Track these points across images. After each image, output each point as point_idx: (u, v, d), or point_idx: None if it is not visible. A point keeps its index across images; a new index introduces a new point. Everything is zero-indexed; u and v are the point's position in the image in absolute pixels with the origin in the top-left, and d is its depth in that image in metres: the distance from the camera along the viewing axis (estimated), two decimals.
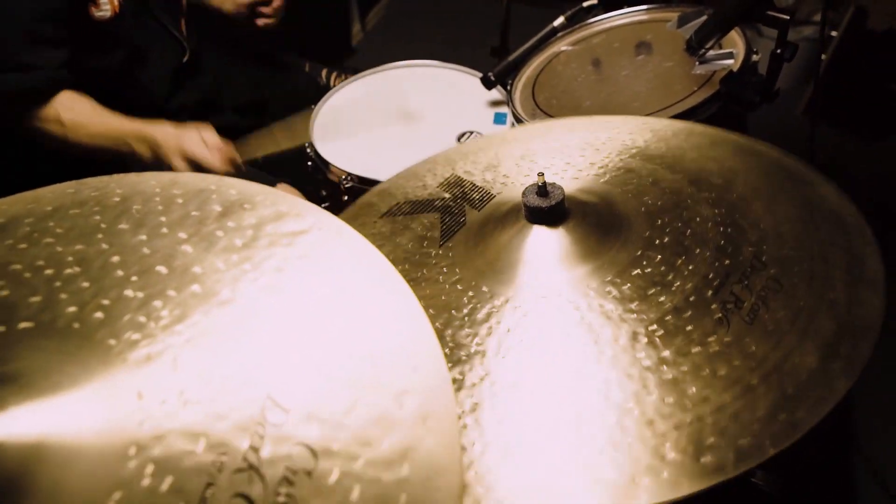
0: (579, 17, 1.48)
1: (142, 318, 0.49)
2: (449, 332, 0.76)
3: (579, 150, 0.97)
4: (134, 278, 0.52)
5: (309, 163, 1.46)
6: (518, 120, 1.31)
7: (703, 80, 1.22)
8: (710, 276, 0.74)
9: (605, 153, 0.95)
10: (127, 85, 1.39)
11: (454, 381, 0.70)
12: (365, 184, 1.31)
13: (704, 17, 1.21)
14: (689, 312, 0.71)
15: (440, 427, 0.44)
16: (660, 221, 0.82)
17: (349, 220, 0.96)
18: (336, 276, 0.53)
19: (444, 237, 0.89)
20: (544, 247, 0.82)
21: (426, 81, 1.61)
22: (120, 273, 0.52)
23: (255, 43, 1.67)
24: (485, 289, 0.80)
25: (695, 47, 1.17)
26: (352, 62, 1.87)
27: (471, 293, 0.80)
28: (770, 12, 1.04)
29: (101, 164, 1.39)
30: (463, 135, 1.42)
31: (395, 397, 0.45)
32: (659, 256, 0.77)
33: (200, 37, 1.60)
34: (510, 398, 0.67)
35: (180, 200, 0.59)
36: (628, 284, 0.75)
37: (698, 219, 0.81)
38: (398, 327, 0.49)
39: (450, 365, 0.72)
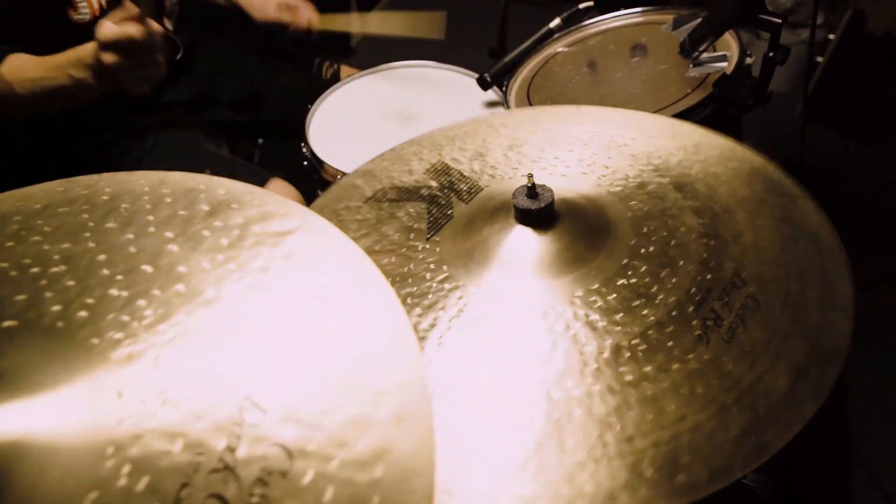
0: (575, 19, 1.49)
1: (125, 318, 0.50)
2: (437, 334, 0.76)
3: (568, 144, 0.96)
4: (119, 277, 0.52)
5: (305, 162, 1.47)
6: None
7: (697, 82, 1.23)
8: (693, 290, 0.74)
9: (593, 149, 0.95)
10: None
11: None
12: None
13: (699, 20, 1.21)
14: (671, 328, 0.71)
15: (415, 429, 0.44)
16: (645, 229, 0.82)
17: (332, 203, 0.97)
18: (320, 277, 0.54)
19: (431, 230, 0.88)
20: (532, 250, 0.82)
21: (422, 82, 1.61)
22: (106, 272, 0.53)
23: (249, 38, 1.68)
24: (473, 290, 0.80)
25: (688, 50, 1.17)
26: (351, 62, 1.86)
27: (460, 295, 0.80)
28: (763, 15, 1.04)
29: (92, 162, 1.39)
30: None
31: (372, 398, 0.46)
32: (644, 266, 0.77)
33: (194, 33, 1.61)
34: (492, 408, 0.67)
35: (169, 199, 0.60)
36: (614, 294, 0.75)
37: (683, 228, 0.81)
38: (378, 328, 0.50)
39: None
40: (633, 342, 0.70)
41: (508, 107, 1.35)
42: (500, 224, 0.85)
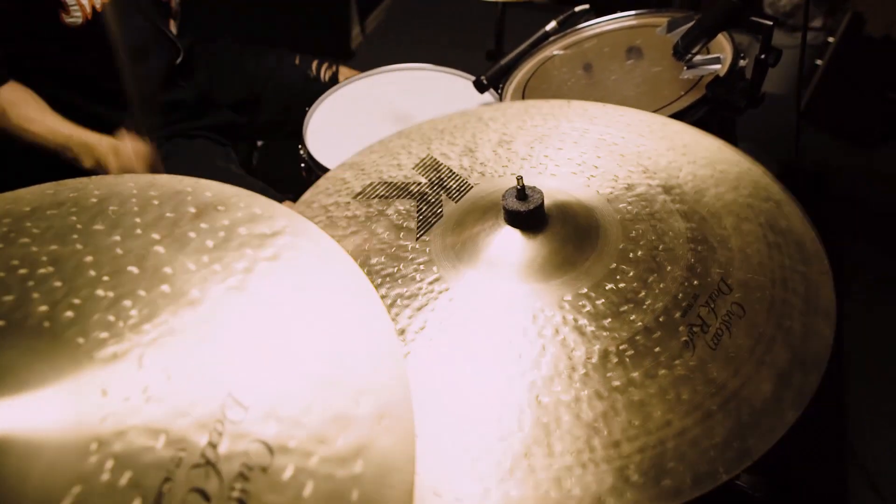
0: (571, 22, 1.49)
1: (111, 318, 0.50)
2: (428, 334, 0.76)
3: (558, 142, 0.97)
4: (105, 278, 0.53)
5: (301, 164, 1.48)
6: None
7: (691, 84, 1.23)
8: (680, 296, 0.75)
9: (582, 147, 0.95)
10: (111, 84, 1.40)
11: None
12: None
13: (692, 23, 1.22)
14: (658, 333, 0.72)
15: (396, 426, 0.45)
16: (634, 232, 0.82)
17: (320, 197, 0.97)
18: (303, 278, 0.54)
19: (421, 229, 0.88)
20: (521, 252, 0.82)
21: (419, 85, 1.62)
22: (92, 273, 0.54)
23: (249, 41, 1.69)
24: (464, 290, 0.80)
25: (681, 52, 1.18)
26: (351, 65, 1.88)
27: (450, 297, 0.80)
28: (754, 18, 1.04)
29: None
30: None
31: (353, 396, 0.46)
32: (632, 271, 0.78)
33: (194, 36, 1.62)
34: (484, 411, 0.68)
35: (156, 202, 0.61)
36: (602, 299, 0.76)
37: (671, 233, 0.81)
38: (360, 328, 0.50)
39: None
40: (621, 347, 0.71)
41: None
42: (489, 226, 0.85)
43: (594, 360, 0.70)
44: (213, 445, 0.43)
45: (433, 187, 0.94)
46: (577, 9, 1.49)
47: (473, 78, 1.52)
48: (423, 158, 0.99)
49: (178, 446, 0.43)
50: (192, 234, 0.57)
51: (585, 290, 0.77)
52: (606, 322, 0.73)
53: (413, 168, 0.98)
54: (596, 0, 1.53)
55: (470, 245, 0.84)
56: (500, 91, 1.44)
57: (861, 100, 2.52)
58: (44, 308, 0.51)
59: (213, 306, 0.51)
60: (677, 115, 1.17)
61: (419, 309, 0.79)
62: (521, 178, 0.82)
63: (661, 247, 0.80)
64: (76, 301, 0.51)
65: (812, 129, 2.59)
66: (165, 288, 0.52)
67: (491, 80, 1.48)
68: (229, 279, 0.53)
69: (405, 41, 3.19)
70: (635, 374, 0.68)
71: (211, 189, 0.62)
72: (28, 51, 1.30)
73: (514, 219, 0.83)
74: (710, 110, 1.19)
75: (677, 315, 0.73)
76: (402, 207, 0.92)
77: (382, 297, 0.80)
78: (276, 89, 1.76)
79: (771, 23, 1.03)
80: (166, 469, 0.42)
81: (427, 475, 0.64)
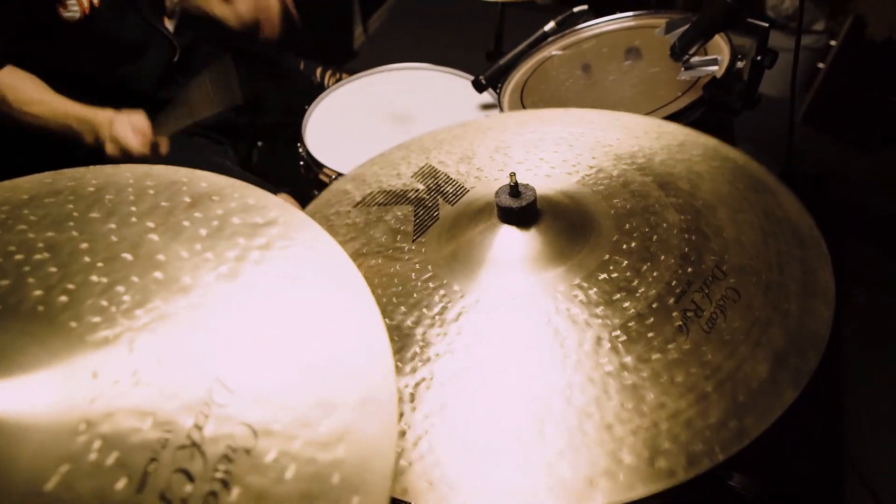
0: (570, 23, 1.50)
1: (104, 303, 0.51)
2: (420, 330, 0.77)
3: (553, 145, 0.98)
4: (100, 264, 0.54)
5: (301, 163, 1.49)
6: None
7: (688, 85, 1.24)
8: (673, 283, 0.76)
9: (578, 150, 0.96)
10: (117, 80, 1.42)
11: (423, 380, 0.72)
12: None
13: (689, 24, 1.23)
14: (652, 319, 0.72)
15: (378, 412, 0.46)
16: (627, 226, 0.83)
17: (323, 208, 0.99)
18: (293, 267, 0.55)
19: (418, 232, 0.90)
20: (515, 247, 0.83)
21: (419, 84, 1.63)
22: (87, 259, 0.55)
23: (251, 42, 1.70)
24: (456, 287, 0.81)
25: (678, 53, 1.19)
26: (353, 65, 1.89)
27: (443, 292, 0.81)
28: (750, 20, 1.05)
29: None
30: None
31: (338, 382, 0.47)
32: (626, 262, 0.79)
33: (195, 35, 1.63)
34: (477, 398, 0.69)
35: (152, 191, 0.62)
36: (595, 289, 0.77)
37: (665, 224, 0.82)
38: (347, 316, 0.51)
39: (420, 364, 0.74)
40: (614, 334, 0.72)
41: (502, 109, 1.37)
42: (483, 223, 0.86)
43: (586, 346, 0.71)
44: (198, 428, 0.44)
45: (430, 193, 0.96)
46: (576, 9, 1.50)
47: (472, 77, 1.53)
48: (422, 167, 1.01)
49: (164, 428, 0.44)
50: (186, 223, 0.58)
51: (578, 282, 0.78)
52: (599, 310, 0.74)
53: (412, 176, 0.99)
54: (595, 1, 1.55)
55: (465, 242, 0.86)
56: (498, 91, 1.45)
57: (863, 103, 2.53)
58: (39, 293, 0.52)
59: (204, 293, 0.52)
60: (674, 116, 1.18)
61: (414, 305, 0.80)
62: (514, 174, 0.83)
63: (654, 238, 0.81)
64: (70, 286, 0.52)
65: (814, 132, 2.60)
66: (158, 275, 0.54)
67: (489, 79, 1.49)
68: (221, 267, 0.54)
69: (407, 41, 3.20)
70: (628, 359, 0.69)
71: (206, 179, 0.63)
72: (25, 45, 1.32)
73: (507, 215, 0.84)
74: (707, 111, 1.20)
75: (671, 301, 0.73)
76: (399, 213, 0.94)
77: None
78: (280, 93, 1.77)
79: (767, 24, 1.04)
80: (152, 450, 0.43)
81: (422, 462, 0.65)
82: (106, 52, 1.31)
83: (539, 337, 0.73)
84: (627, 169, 0.92)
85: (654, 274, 0.77)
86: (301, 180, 1.50)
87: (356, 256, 0.89)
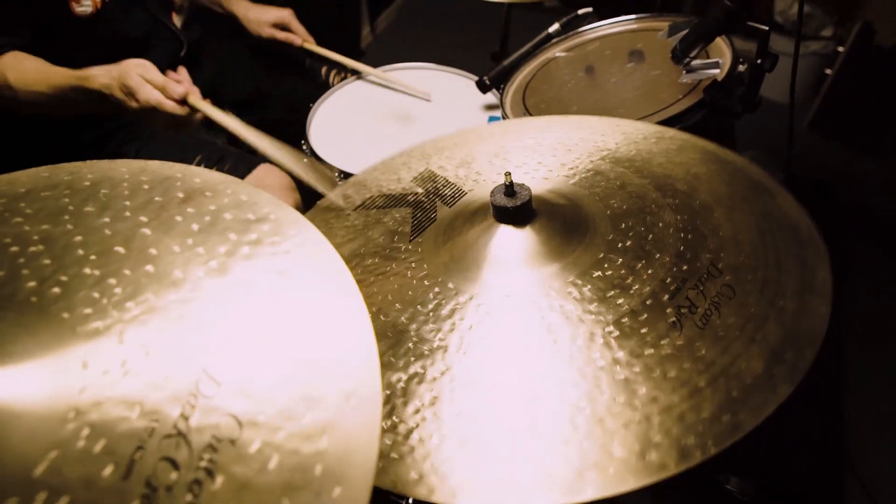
0: (574, 24, 1.51)
1: (96, 295, 0.52)
2: (414, 326, 0.78)
3: (552, 150, 0.99)
4: (93, 257, 0.55)
5: (304, 160, 1.50)
6: None
7: (689, 88, 1.24)
8: (668, 280, 0.76)
9: (576, 154, 0.97)
10: None
11: (416, 374, 0.73)
12: None
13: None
14: (645, 315, 0.73)
15: (362, 406, 0.46)
16: (623, 225, 0.84)
17: (324, 212, 1.00)
18: (283, 262, 0.56)
19: (414, 232, 0.91)
20: (510, 246, 0.84)
21: (422, 84, 1.64)
22: (81, 252, 0.56)
23: (257, 39, 1.72)
24: (450, 285, 0.82)
25: (679, 56, 1.19)
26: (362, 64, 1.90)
27: (437, 289, 0.82)
28: (750, 23, 1.05)
29: (93, 151, 1.43)
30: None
31: (323, 377, 0.48)
32: (620, 260, 0.79)
33: (202, 32, 1.64)
34: (469, 393, 0.69)
35: (146, 186, 0.63)
36: (589, 286, 0.77)
37: (661, 224, 0.83)
38: (333, 311, 0.52)
39: (412, 359, 0.74)
40: (607, 329, 0.72)
41: (504, 109, 1.37)
42: (479, 223, 0.87)
43: (579, 342, 0.71)
44: (185, 417, 0.45)
45: (429, 196, 0.97)
46: (580, 12, 1.50)
47: (476, 78, 1.54)
48: (422, 172, 1.02)
49: (151, 417, 0.45)
50: (179, 218, 0.59)
51: (572, 279, 0.78)
52: (592, 307, 0.74)
53: (411, 180, 1.01)
54: (600, 3, 1.55)
55: (460, 241, 0.86)
56: (501, 91, 1.46)
57: (871, 109, 2.52)
58: (32, 284, 0.53)
59: (194, 287, 0.53)
60: (674, 119, 1.18)
61: (409, 303, 0.81)
62: (510, 173, 0.83)
63: (650, 237, 0.81)
64: (63, 278, 0.53)
65: (821, 138, 2.59)
66: (150, 268, 0.54)
67: (493, 80, 1.50)
68: (211, 262, 0.55)
69: (414, 41, 3.22)
70: (620, 354, 0.69)
71: (200, 175, 0.64)
72: (37, 40, 1.33)
73: (503, 215, 0.85)
74: (708, 114, 1.20)
75: (665, 298, 0.74)
76: (398, 215, 0.95)
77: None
78: (285, 91, 1.78)
79: (767, 28, 1.04)
80: (139, 438, 0.44)
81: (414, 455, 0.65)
82: (111, 48, 1.32)
83: (531, 332, 0.73)
84: (625, 172, 0.92)
85: (649, 272, 0.77)
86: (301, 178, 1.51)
87: (353, 257, 0.91)
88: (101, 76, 1.25)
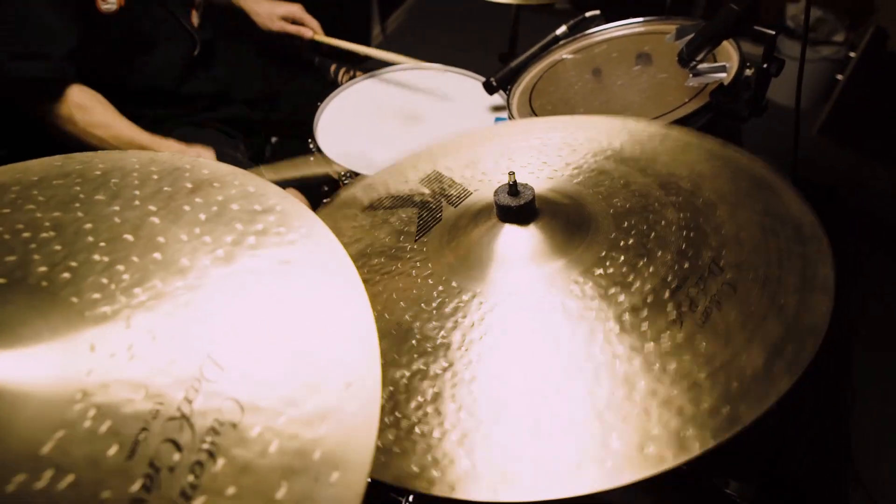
0: (581, 27, 1.51)
1: (104, 281, 0.54)
2: (417, 324, 0.79)
3: (557, 150, 0.99)
4: (102, 244, 0.56)
5: (311, 158, 1.51)
6: None
7: (696, 92, 1.25)
8: (669, 278, 0.77)
9: (581, 154, 0.98)
10: (134, 73, 1.45)
11: (419, 371, 0.74)
12: None
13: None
14: (646, 312, 0.73)
15: (362, 394, 0.47)
16: (626, 224, 0.84)
17: (333, 212, 1.02)
18: (287, 252, 0.57)
19: (420, 232, 0.92)
20: (513, 245, 0.84)
21: (429, 84, 1.65)
22: (90, 239, 0.57)
23: (267, 37, 1.73)
24: (454, 284, 0.83)
25: (685, 59, 1.19)
26: (368, 63, 1.91)
27: (441, 287, 0.83)
28: (757, 27, 1.06)
29: None
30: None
31: (325, 365, 0.49)
32: (622, 258, 0.80)
33: (215, 30, 1.66)
34: (470, 389, 0.70)
35: (156, 177, 0.64)
36: (591, 284, 0.78)
37: (663, 222, 0.83)
38: (336, 301, 0.53)
39: (415, 355, 0.75)
40: (607, 325, 0.73)
41: (511, 111, 1.38)
42: (483, 223, 0.88)
43: (579, 338, 0.72)
44: (188, 401, 0.46)
45: (435, 196, 0.98)
46: (588, 14, 1.51)
47: (483, 78, 1.54)
48: (429, 173, 1.03)
49: (156, 400, 0.46)
50: (187, 208, 0.60)
51: (573, 277, 0.79)
52: (593, 303, 0.75)
53: (418, 182, 1.02)
54: (608, 6, 1.56)
55: (464, 240, 0.87)
56: (508, 92, 1.46)
57: (882, 115, 2.51)
58: (43, 269, 0.54)
59: (200, 275, 0.54)
60: (680, 122, 1.18)
61: (412, 301, 0.82)
62: (514, 173, 0.84)
63: (652, 235, 0.81)
64: (73, 264, 0.54)
65: (832, 143, 2.58)
66: (157, 256, 0.56)
67: (500, 81, 1.51)
68: (218, 250, 0.56)
69: (424, 41, 3.23)
70: (620, 349, 0.70)
71: (208, 167, 0.65)
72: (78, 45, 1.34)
73: (506, 214, 0.85)
74: (714, 118, 1.20)
75: (666, 295, 0.74)
76: (404, 215, 0.96)
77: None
78: (294, 90, 1.80)
79: (773, 32, 1.04)
80: (144, 420, 0.45)
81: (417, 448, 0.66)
82: (129, 46, 1.34)
83: (532, 329, 0.74)
84: (629, 171, 0.93)
85: (651, 269, 0.78)
86: (311, 176, 1.53)
87: (360, 256, 0.92)
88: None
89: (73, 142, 1.35)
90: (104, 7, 1.37)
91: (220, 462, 0.44)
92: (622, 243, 0.82)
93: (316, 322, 0.52)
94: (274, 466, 0.44)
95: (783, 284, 0.74)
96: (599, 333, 0.72)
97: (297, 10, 1.72)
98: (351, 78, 1.85)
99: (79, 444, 0.44)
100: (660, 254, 0.79)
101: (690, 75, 1.26)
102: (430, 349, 0.76)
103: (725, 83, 1.21)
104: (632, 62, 1.43)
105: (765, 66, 1.10)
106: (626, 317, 0.73)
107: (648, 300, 0.75)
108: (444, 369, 0.73)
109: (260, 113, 1.73)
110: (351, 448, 0.45)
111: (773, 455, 1.35)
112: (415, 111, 1.57)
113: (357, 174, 1.37)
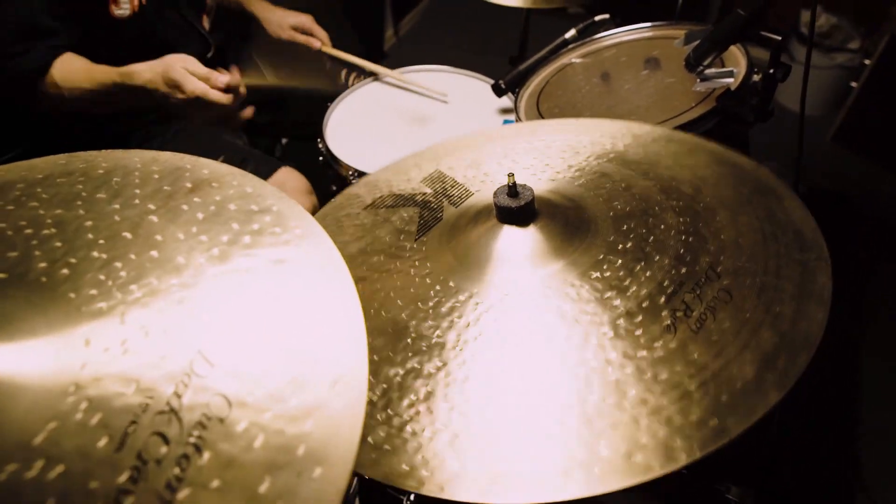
0: (590, 31, 1.52)
1: (102, 277, 0.55)
2: (413, 322, 0.80)
3: (560, 152, 1.00)
4: (101, 241, 0.58)
5: (320, 157, 1.53)
6: None
7: (703, 96, 1.24)
8: (665, 283, 0.77)
9: (584, 156, 0.98)
10: None
11: (412, 370, 0.74)
12: None
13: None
14: (640, 317, 0.73)
15: (348, 392, 0.48)
16: (625, 227, 0.84)
17: (335, 210, 1.03)
18: (280, 252, 0.58)
19: (420, 231, 0.93)
20: (511, 246, 0.85)
21: (438, 86, 1.66)
22: (90, 236, 0.58)
23: (276, 41, 1.75)
24: (451, 284, 0.83)
25: (692, 64, 1.19)
26: (381, 66, 1.93)
27: (438, 287, 0.83)
28: (763, 33, 1.05)
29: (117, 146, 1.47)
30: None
31: (312, 363, 0.50)
32: (619, 261, 0.80)
33: (227, 34, 1.68)
34: (463, 389, 0.71)
35: (156, 176, 0.65)
36: (587, 287, 0.78)
37: (662, 226, 0.83)
38: (326, 301, 0.54)
39: (410, 354, 0.76)
40: (602, 330, 0.73)
41: (518, 113, 1.39)
42: (482, 223, 0.89)
43: (573, 342, 0.72)
44: (178, 395, 0.47)
45: (437, 196, 0.98)
46: (597, 18, 1.51)
47: (492, 81, 1.55)
48: (431, 173, 1.03)
49: (146, 394, 0.47)
50: (185, 207, 0.61)
51: (570, 280, 0.79)
52: (589, 307, 0.75)
53: (421, 181, 1.02)
54: (618, 10, 1.56)
55: (463, 240, 0.88)
56: (516, 95, 1.47)
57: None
58: (43, 265, 0.55)
59: (195, 273, 0.55)
60: (686, 126, 1.18)
61: (411, 300, 0.82)
62: (513, 174, 0.84)
63: (651, 239, 0.81)
64: (73, 260, 0.56)
65: (845, 151, 2.56)
66: (154, 253, 0.57)
67: (509, 84, 1.51)
68: (213, 249, 0.57)
69: (436, 44, 3.25)
70: (613, 355, 0.70)
71: (209, 167, 0.66)
72: (77, 42, 1.37)
73: (505, 215, 0.86)
74: (720, 123, 1.20)
75: (661, 300, 0.74)
76: (406, 215, 0.97)
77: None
78: (303, 93, 1.82)
79: (780, 38, 1.04)
80: (133, 413, 0.46)
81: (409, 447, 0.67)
82: (142, 50, 1.36)
83: (527, 331, 0.74)
84: (632, 174, 0.93)
85: (647, 274, 0.78)
86: (321, 174, 1.54)
87: (360, 254, 0.92)
88: (144, 72, 1.29)
89: (60, 106, 1.35)
90: (117, 12, 1.39)
91: (206, 455, 0.44)
92: (620, 246, 0.82)
93: (306, 321, 0.53)
94: (258, 461, 0.44)
95: (780, 292, 0.73)
96: (593, 338, 0.72)
97: (307, 21, 1.74)
98: (361, 81, 1.87)
99: (70, 435, 0.45)
100: (657, 258, 0.79)
101: (698, 80, 1.26)
102: (424, 348, 0.76)
103: (733, 88, 1.21)
104: (640, 66, 1.43)
105: (771, 71, 1.10)
106: (621, 321, 0.73)
107: (644, 305, 0.75)
108: (438, 369, 0.74)
109: (269, 114, 1.75)
110: (335, 445, 0.45)
111: (774, 460, 1.34)
112: (423, 113, 1.58)
113: (365, 175, 1.38)
